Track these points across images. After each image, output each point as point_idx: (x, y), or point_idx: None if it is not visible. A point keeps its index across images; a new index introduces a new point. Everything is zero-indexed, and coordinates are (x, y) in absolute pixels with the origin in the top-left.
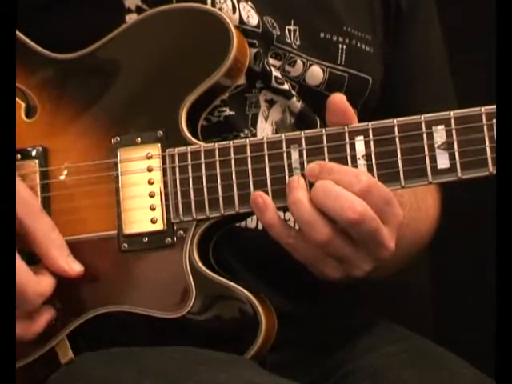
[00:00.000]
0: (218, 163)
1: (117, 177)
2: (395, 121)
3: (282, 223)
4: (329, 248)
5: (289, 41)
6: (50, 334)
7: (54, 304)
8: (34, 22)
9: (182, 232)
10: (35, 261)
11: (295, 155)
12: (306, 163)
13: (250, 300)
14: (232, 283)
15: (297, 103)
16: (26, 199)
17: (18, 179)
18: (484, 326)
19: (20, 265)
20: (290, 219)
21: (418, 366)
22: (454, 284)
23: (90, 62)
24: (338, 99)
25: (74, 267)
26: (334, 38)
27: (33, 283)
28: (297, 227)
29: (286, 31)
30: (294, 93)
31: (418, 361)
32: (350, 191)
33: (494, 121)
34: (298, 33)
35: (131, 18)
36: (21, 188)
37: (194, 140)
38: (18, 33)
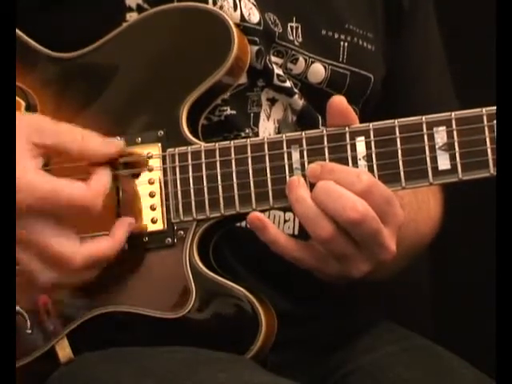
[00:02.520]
0: (218, 163)
1: (117, 177)
2: (396, 122)
3: (284, 238)
4: (331, 245)
5: (291, 38)
6: (50, 334)
7: (55, 303)
8: (34, 21)
9: (182, 232)
10: None
11: (296, 155)
12: (306, 163)
13: (250, 300)
14: (232, 283)
15: (299, 101)
16: (36, 123)
17: (27, 119)
18: (484, 325)
19: (68, 183)
20: (289, 219)
21: (417, 365)
22: (453, 284)
23: (91, 61)
24: (338, 101)
25: (115, 144)
26: (336, 36)
27: (85, 189)
28: (296, 232)
29: (289, 28)
30: (296, 90)
31: (417, 361)
32: (351, 191)
33: (495, 122)
34: (300, 30)
35: (132, 16)
36: (22, 118)
37: (194, 140)
38: (18, 32)
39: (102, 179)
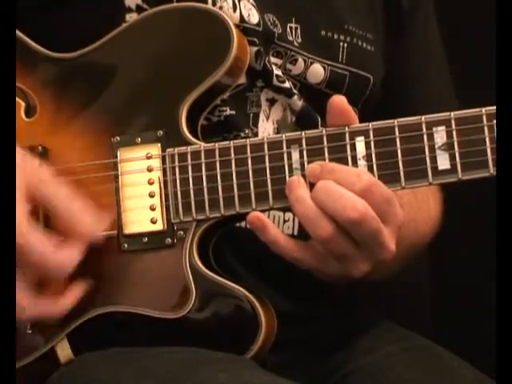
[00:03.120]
0: (218, 163)
1: (116, 177)
2: (396, 121)
3: (284, 238)
4: (331, 245)
5: (290, 39)
6: (50, 334)
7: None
8: (33, 21)
9: (181, 232)
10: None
11: (295, 155)
12: (306, 164)
13: (250, 300)
14: (232, 283)
15: (298, 102)
16: (36, 170)
17: (19, 155)
18: (484, 325)
19: (40, 238)
20: (289, 220)
21: (417, 365)
22: (453, 284)
23: (90, 62)
24: (338, 101)
25: (98, 230)
26: (336, 37)
27: (55, 256)
28: (295, 232)
29: (288, 29)
30: (295, 91)
31: (417, 361)
32: (351, 190)
33: (495, 122)
34: (299, 31)
35: (131, 17)
36: (27, 161)
37: (194, 140)
38: (17, 32)
39: (75, 251)
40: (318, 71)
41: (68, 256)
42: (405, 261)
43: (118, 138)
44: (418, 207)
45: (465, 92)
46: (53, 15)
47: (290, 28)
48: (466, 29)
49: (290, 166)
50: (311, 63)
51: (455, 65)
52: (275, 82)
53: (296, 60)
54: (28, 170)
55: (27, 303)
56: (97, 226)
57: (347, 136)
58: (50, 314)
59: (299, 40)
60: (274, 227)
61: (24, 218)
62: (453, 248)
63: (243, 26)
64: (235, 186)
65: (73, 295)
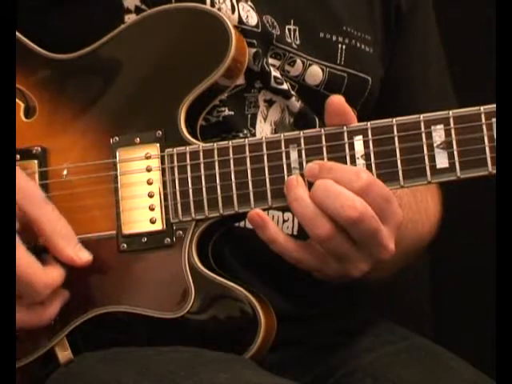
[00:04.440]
0: (216, 163)
1: (116, 177)
2: (394, 120)
3: (284, 237)
4: (329, 245)
5: (289, 40)
6: (50, 334)
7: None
8: (33, 23)
9: (181, 232)
10: (42, 253)
11: (294, 155)
12: (304, 163)
13: (249, 300)
14: (231, 283)
15: (296, 103)
16: (29, 189)
17: (18, 170)
18: (484, 325)
19: (26, 256)
20: (288, 219)
21: (418, 365)
22: (454, 284)
23: (89, 62)
24: (337, 101)
25: (82, 256)
26: (334, 38)
27: (40, 274)
28: (295, 232)
29: (286, 31)
30: (293, 93)
31: (418, 361)
32: (350, 189)
33: (494, 120)
34: (297, 32)
35: (130, 18)
36: (22, 179)
37: (192, 140)
38: (17, 33)
39: (59, 273)
40: (316, 73)
41: (55, 275)
42: (404, 261)
43: (117, 139)
44: (417, 207)
45: (464, 92)
46: (52, 16)
47: (289, 30)
48: (465, 29)
49: (289, 165)
50: (309, 65)
51: (454, 65)
52: (273, 83)
53: (294, 61)
54: (21, 187)
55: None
56: (81, 251)
57: (345, 135)
58: (34, 325)
59: (298, 42)
60: (274, 225)
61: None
62: (453, 248)
63: (242, 27)
64: (234, 185)
65: (56, 305)
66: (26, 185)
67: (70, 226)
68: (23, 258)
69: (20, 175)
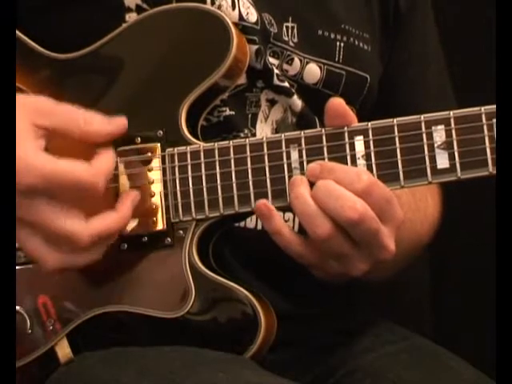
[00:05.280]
0: (217, 163)
1: (116, 176)
2: (395, 120)
3: (288, 230)
4: (329, 244)
5: (286, 38)
6: (50, 334)
7: (55, 303)
8: (34, 22)
9: (181, 232)
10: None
11: (295, 155)
12: (305, 163)
13: (250, 300)
14: (231, 283)
15: (298, 102)
16: (37, 106)
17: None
18: (484, 325)
19: (66, 160)
20: (289, 219)
21: (417, 366)
22: (454, 284)
23: (90, 62)
24: (337, 103)
25: (118, 123)
26: (332, 36)
27: (87, 168)
28: (296, 228)
29: (284, 28)
30: (293, 91)
31: (417, 361)
32: (351, 190)
33: (494, 121)
34: (295, 30)
35: (131, 17)
36: (30, 100)
37: (193, 140)
38: (18, 33)
39: (105, 158)
40: (314, 71)
41: (102, 161)
42: (404, 261)
43: (118, 138)
44: (416, 207)
45: (464, 92)
46: (53, 15)
47: (286, 27)
48: (465, 29)
49: (290, 165)
50: (307, 63)
51: (454, 64)
52: (276, 81)
53: (292, 60)
54: (25, 105)
55: (82, 227)
56: (108, 122)
57: (346, 135)
58: (113, 227)
59: (295, 40)
60: (280, 218)
61: (41, 153)
62: (453, 248)
63: (242, 24)
64: (234, 185)
65: (128, 201)
66: (39, 101)
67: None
68: (61, 160)
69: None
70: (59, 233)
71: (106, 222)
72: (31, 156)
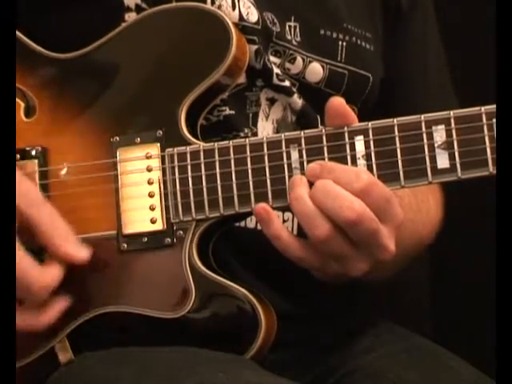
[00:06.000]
0: (217, 163)
1: (116, 177)
2: (395, 120)
3: (287, 234)
4: (328, 245)
5: (289, 37)
6: (50, 334)
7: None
8: (33, 22)
9: (181, 232)
10: (40, 254)
11: (295, 155)
12: (305, 163)
13: (250, 300)
14: (231, 283)
15: (298, 100)
16: (26, 189)
17: (17, 172)
18: (484, 325)
19: (23, 257)
20: (288, 219)
21: (417, 366)
22: (454, 284)
23: (89, 62)
24: (337, 102)
25: (80, 252)
26: (334, 35)
27: (37, 274)
28: (294, 232)
29: (287, 27)
30: (294, 90)
31: (417, 361)
32: (350, 190)
33: (495, 120)
34: (298, 29)
35: (130, 16)
36: (20, 179)
37: (193, 140)
38: (17, 32)
39: (56, 271)
40: (316, 70)
41: (52, 275)
42: (404, 261)
43: (118, 138)
44: (418, 208)
45: (464, 92)
46: (52, 15)
47: (289, 26)
48: (465, 27)
49: (290, 165)
50: (310, 62)
51: (454, 64)
52: (275, 80)
53: (295, 59)
54: (18, 188)
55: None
56: (79, 249)
57: (346, 135)
58: (33, 327)
59: (298, 39)
60: (279, 222)
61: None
62: (453, 248)
63: (242, 24)
64: (234, 185)
65: (56, 308)
66: (23, 184)
67: (67, 225)
68: (20, 258)
69: (17, 175)
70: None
71: (31, 322)
72: None
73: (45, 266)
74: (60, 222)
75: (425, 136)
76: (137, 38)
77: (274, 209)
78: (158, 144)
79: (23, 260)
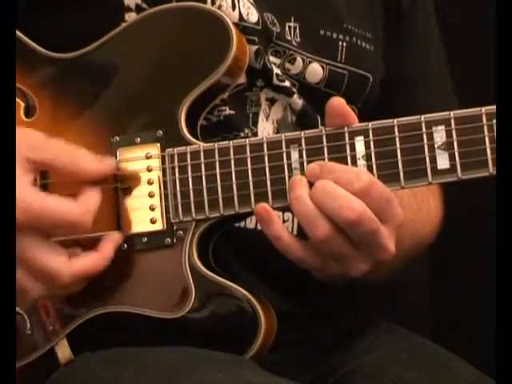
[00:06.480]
0: (217, 163)
1: (116, 177)
2: (395, 121)
3: (288, 235)
4: (328, 245)
5: (289, 38)
6: (50, 334)
7: (55, 304)
8: (33, 22)
9: (181, 232)
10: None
11: (295, 155)
12: (305, 163)
13: (250, 300)
14: (231, 283)
15: (298, 101)
16: (31, 140)
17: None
18: (484, 325)
19: (54, 197)
20: (288, 219)
21: (417, 366)
22: (454, 284)
23: (90, 62)
24: (338, 103)
25: (107, 163)
26: (334, 36)
27: (74, 205)
28: (294, 232)
29: (287, 28)
30: (294, 90)
31: (417, 361)
32: (350, 190)
33: (495, 121)
34: (298, 30)
35: (130, 16)
36: (18, 138)
37: (193, 140)
38: (17, 32)
39: (91, 196)
40: (316, 70)
41: (88, 199)
42: (404, 261)
43: (118, 138)
44: (418, 208)
45: (464, 92)
46: (52, 15)
47: (289, 27)
48: (465, 28)
49: (290, 165)
50: (310, 62)
51: (455, 64)
52: (275, 80)
53: (295, 59)
54: (23, 142)
55: (65, 266)
56: (98, 162)
57: (346, 136)
58: (94, 268)
59: (298, 39)
60: (280, 222)
61: (31, 188)
62: (453, 248)
63: (242, 24)
64: (234, 185)
65: (109, 246)
66: (27, 137)
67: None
68: (49, 196)
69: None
70: (41, 269)
71: (87, 262)
72: (19, 191)
73: (79, 196)
74: (71, 150)
75: (425, 136)
76: (137, 37)
77: (274, 209)
78: (158, 144)
79: (56, 199)
